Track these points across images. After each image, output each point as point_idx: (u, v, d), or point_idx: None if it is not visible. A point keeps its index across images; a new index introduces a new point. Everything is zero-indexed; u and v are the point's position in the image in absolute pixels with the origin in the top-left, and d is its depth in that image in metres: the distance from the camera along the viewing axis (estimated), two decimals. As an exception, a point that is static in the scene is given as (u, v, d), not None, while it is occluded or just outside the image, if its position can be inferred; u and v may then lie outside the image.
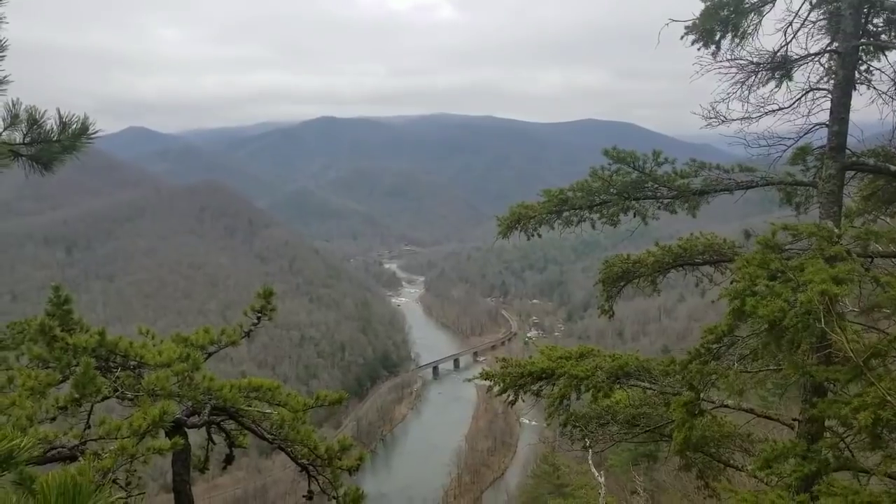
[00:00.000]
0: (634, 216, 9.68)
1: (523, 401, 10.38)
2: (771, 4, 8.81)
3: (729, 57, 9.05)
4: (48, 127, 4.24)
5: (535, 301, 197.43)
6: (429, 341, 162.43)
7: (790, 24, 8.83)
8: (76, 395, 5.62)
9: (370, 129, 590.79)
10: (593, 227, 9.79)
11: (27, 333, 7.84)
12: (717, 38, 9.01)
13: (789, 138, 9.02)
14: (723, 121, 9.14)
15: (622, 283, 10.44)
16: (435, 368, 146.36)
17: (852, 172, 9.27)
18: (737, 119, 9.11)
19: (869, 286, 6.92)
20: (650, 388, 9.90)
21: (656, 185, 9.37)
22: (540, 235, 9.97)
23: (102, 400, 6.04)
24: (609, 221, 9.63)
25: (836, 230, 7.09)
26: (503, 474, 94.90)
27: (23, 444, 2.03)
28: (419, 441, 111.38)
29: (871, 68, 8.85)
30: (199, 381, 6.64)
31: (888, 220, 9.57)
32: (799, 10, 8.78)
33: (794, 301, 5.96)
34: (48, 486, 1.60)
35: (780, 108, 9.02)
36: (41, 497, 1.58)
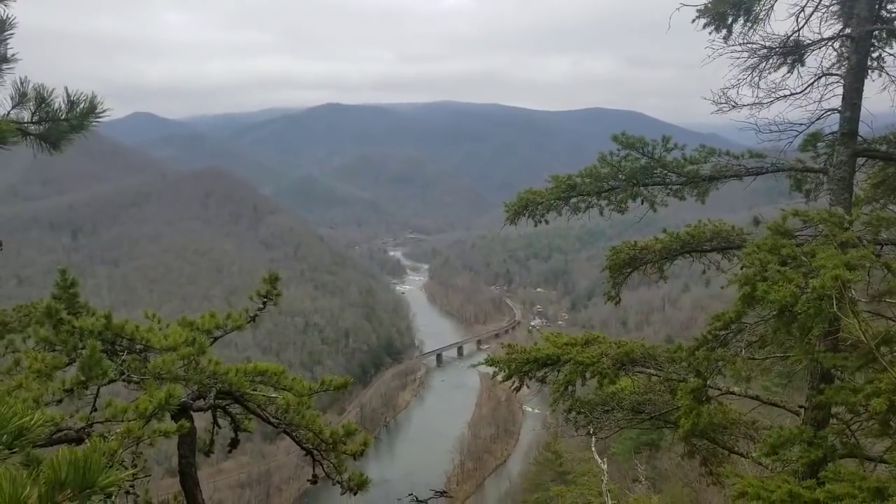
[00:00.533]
0: (642, 203, 9.62)
1: (528, 387, 10.37)
2: (784, -12, 8.72)
3: (741, 41, 8.96)
4: (56, 106, 4.19)
5: (539, 290, 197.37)
6: (433, 329, 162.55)
7: (803, 8, 8.74)
8: (82, 378, 5.61)
9: (376, 115, 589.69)
10: (601, 213, 9.75)
11: (33, 316, 7.84)
12: (729, 21, 8.92)
13: (801, 124, 8.93)
14: (733, 106, 9.07)
15: (629, 270, 10.39)
16: (439, 356, 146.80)
17: (863, 160, 9.19)
18: (748, 105, 9.04)
19: (878, 273, 6.87)
20: (656, 375, 9.88)
21: (665, 171, 9.31)
22: (547, 222, 9.93)
23: (108, 383, 6.03)
24: (617, 208, 9.58)
25: (846, 216, 7.03)
26: (506, 461, 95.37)
27: (33, 421, 2.01)
28: (422, 428, 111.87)
29: (884, 55, 8.76)
30: (204, 365, 6.63)
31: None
32: (812, -6, 8.68)
33: (805, 286, 5.92)
34: (58, 461, 1.59)
35: (792, 94, 8.95)
36: (52, 471, 1.56)
